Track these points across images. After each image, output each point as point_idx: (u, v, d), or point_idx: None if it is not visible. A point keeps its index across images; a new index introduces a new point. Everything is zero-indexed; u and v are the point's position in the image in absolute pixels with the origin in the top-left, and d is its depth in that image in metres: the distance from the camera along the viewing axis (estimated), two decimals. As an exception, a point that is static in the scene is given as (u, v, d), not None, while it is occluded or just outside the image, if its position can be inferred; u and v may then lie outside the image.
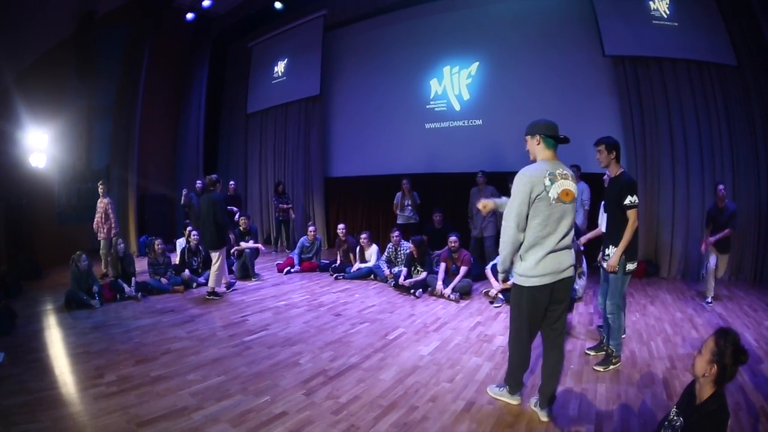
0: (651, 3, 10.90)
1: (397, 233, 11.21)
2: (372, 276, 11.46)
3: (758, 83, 10.13)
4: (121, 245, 10.08)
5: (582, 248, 8.25)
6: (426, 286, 9.98)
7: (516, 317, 4.54)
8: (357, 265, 11.81)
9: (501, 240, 4.37)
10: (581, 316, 8.13)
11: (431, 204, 13.41)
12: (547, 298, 4.30)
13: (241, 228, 12.08)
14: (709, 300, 8.84)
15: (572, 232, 4.32)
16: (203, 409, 4.77)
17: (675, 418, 3.14)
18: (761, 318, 7.85)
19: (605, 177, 6.95)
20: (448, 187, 14.04)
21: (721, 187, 8.84)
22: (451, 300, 9.32)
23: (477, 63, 13.72)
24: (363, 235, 11.81)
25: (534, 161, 4.42)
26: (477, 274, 10.54)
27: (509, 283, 4.62)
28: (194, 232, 11.27)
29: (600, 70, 11.78)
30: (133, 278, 9.89)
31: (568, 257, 4.32)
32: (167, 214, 17.32)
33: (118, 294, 9.46)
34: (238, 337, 7.23)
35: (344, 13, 16.42)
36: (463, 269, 9.64)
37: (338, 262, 12.37)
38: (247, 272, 11.59)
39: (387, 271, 10.99)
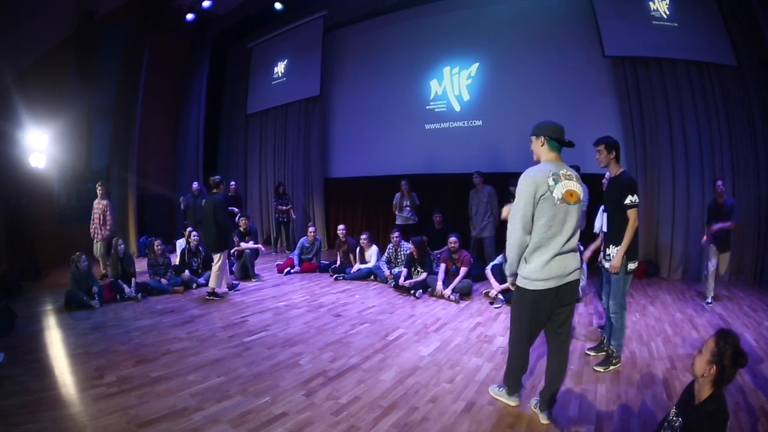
0: (651, 3, 10.91)
1: (397, 234, 11.21)
2: (372, 277, 11.45)
3: (758, 84, 10.14)
4: (121, 246, 10.06)
5: (582, 248, 8.25)
6: (426, 287, 9.97)
7: (516, 319, 4.51)
8: (357, 266, 11.78)
9: (507, 243, 4.31)
10: (581, 316, 8.11)
11: (431, 205, 13.46)
12: (552, 302, 4.25)
13: (241, 229, 12.08)
14: (709, 300, 8.87)
15: (578, 235, 4.28)
16: (203, 410, 4.77)
17: (674, 418, 3.14)
18: (761, 318, 7.85)
19: (604, 180, 6.95)
20: (448, 188, 14.04)
21: (719, 183, 8.90)
22: (451, 301, 9.32)
23: (477, 64, 13.73)
24: (363, 236, 11.80)
25: (538, 162, 4.40)
26: (477, 275, 10.54)
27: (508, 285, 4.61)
28: (194, 233, 11.28)
29: (600, 70, 11.80)
30: (133, 279, 9.87)
31: (574, 260, 4.27)
32: (167, 215, 17.31)
33: (117, 294, 9.46)
34: (238, 337, 7.23)
35: (344, 14, 16.40)
36: (463, 270, 9.63)
37: (338, 262, 12.36)
38: (247, 273, 11.59)
39: (387, 272, 10.99)
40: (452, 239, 9.72)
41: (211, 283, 9.75)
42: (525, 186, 4.12)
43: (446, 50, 14.24)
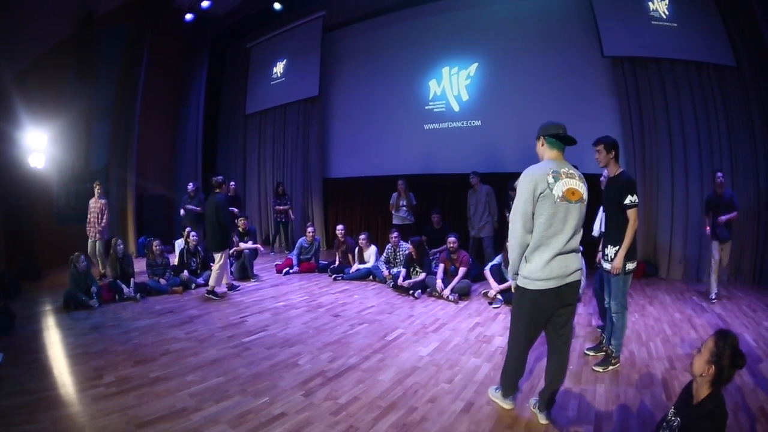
0: (650, 3, 10.92)
1: (396, 234, 11.22)
2: (371, 277, 11.46)
3: (757, 84, 10.15)
4: (120, 246, 10.06)
5: (581, 249, 8.24)
6: (425, 287, 9.98)
7: (516, 320, 4.46)
8: (356, 266, 11.80)
9: (509, 243, 4.30)
10: (580, 316, 8.12)
11: (430, 205, 13.48)
12: (553, 303, 4.21)
13: (240, 229, 12.09)
14: (713, 297, 9.00)
15: (580, 234, 4.25)
16: (202, 410, 4.77)
17: (673, 418, 3.15)
18: (760, 318, 7.86)
19: (602, 179, 6.96)
20: (447, 188, 14.05)
21: (719, 174, 8.99)
22: (450, 301, 9.33)
23: (476, 64, 13.74)
24: (362, 236, 11.81)
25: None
26: (476, 275, 10.55)
27: (508, 284, 4.58)
28: (193, 233, 11.27)
29: (599, 70, 11.81)
30: (131, 279, 9.88)
31: (575, 261, 4.24)
32: (166, 215, 17.30)
33: (116, 295, 9.46)
34: (237, 338, 7.23)
35: (343, 14, 16.42)
36: (461, 270, 9.64)
37: (337, 262, 12.37)
38: (245, 273, 11.60)
39: (386, 272, 10.99)
40: (451, 239, 9.73)
41: (211, 282, 9.77)
42: (524, 184, 4.10)
43: (445, 50, 14.25)
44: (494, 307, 8.84)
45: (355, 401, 5.02)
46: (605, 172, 6.34)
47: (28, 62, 12.75)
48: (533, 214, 4.10)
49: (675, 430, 3.07)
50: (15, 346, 6.82)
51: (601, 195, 6.37)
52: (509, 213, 4.40)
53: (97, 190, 11.84)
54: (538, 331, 4.42)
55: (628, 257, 5.58)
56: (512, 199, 4.38)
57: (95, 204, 11.80)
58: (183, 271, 10.78)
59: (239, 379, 5.62)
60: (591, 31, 11.50)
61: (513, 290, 4.50)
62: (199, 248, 11.36)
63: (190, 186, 13.77)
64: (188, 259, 11.13)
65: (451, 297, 9.36)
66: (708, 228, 9.15)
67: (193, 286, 10.61)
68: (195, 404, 4.91)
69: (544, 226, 4.06)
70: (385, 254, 11.40)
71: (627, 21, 11.08)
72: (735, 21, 10.30)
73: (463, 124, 14.01)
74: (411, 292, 9.84)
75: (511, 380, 4.69)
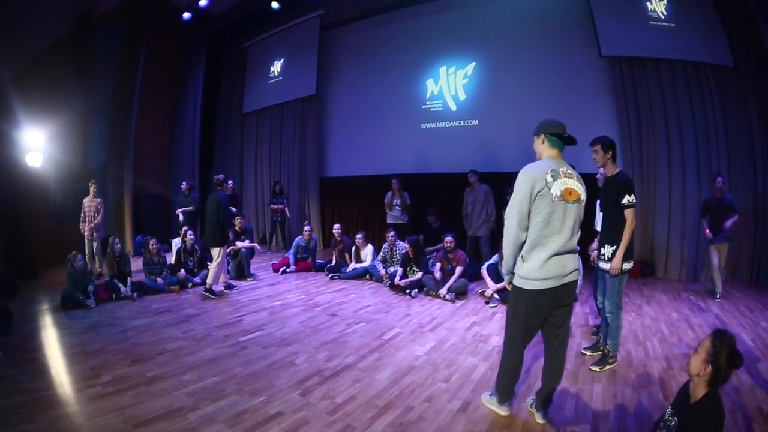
0: (648, 4, 10.92)
1: (392, 233, 11.23)
2: (367, 276, 11.46)
3: (755, 84, 10.17)
4: (118, 245, 10.05)
5: (579, 249, 8.25)
6: (421, 286, 9.98)
7: (512, 320, 4.43)
8: (352, 265, 11.80)
9: (503, 240, 4.27)
10: (577, 316, 8.11)
11: (427, 204, 13.47)
12: (549, 303, 4.19)
13: (236, 228, 12.08)
14: (718, 295, 9.13)
15: (578, 235, 4.24)
16: (199, 410, 4.77)
17: (670, 418, 3.15)
18: (758, 318, 7.87)
19: (598, 176, 6.97)
20: (444, 188, 14.06)
21: (719, 179, 9.11)
22: (446, 300, 9.34)
23: (473, 63, 13.74)
24: (358, 235, 11.81)
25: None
26: (473, 275, 10.55)
27: (503, 284, 4.54)
28: (190, 232, 11.27)
29: (597, 70, 11.81)
30: (128, 278, 9.87)
31: (573, 261, 4.22)
32: (163, 214, 17.28)
33: (113, 294, 9.46)
34: (233, 337, 7.23)
35: (341, 13, 16.44)
36: (458, 269, 9.64)
37: (334, 262, 12.35)
38: (242, 272, 11.60)
39: (382, 271, 11.01)
40: (448, 239, 9.73)
41: (209, 280, 9.78)
42: (522, 182, 4.08)
43: (443, 50, 14.25)
44: (491, 307, 8.84)
45: (351, 400, 5.03)
46: (602, 170, 6.36)
47: (26, 61, 12.75)
48: (529, 213, 4.07)
49: (672, 429, 3.07)
50: (12, 345, 6.82)
51: (599, 192, 6.38)
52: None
53: (92, 189, 11.84)
54: (534, 331, 4.40)
55: (625, 257, 5.58)
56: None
57: (91, 203, 11.79)
58: (180, 270, 10.78)
59: (236, 378, 5.62)
60: (589, 30, 11.50)
61: (507, 287, 4.48)
62: (196, 247, 11.36)
63: (184, 185, 13.77)
64: (185, 258, 11.12)
65: (447, 296, 9.36)
66: (708, 231, 9.21)
67: (190, 285, 10.61)
68: (192, 403, 4.91)
69: (541, 225, 4.03)
70: (381, 253, 11.41)
71: (625, 21, 11.07)
72: (733, 21, 10.30)
73: (460, 123, 14.01)
74: (408, 291, 9.85)
75: (507, 384, 4.60)
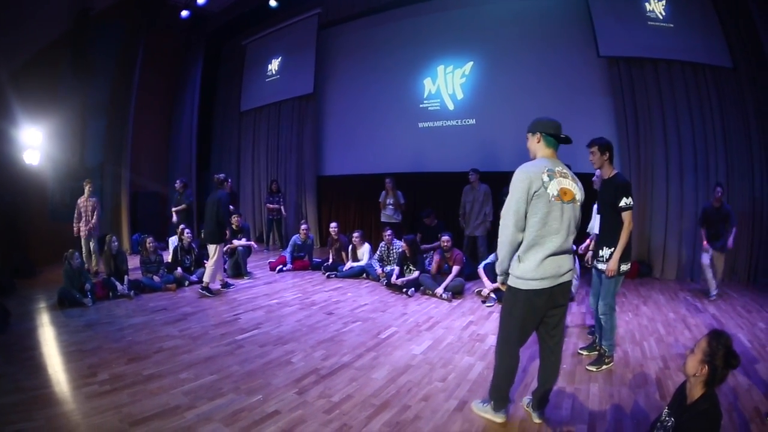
0: (647, 4, 10.93)
1: (389, 232, 11.24)
2: (364, 275, 11.46)
3: (754, 85, 10.19)
4: (115, 243, 10.05)
5: (574, 248, 8.26)
6: (418, 285, 9.98)
7: (507, 321, 4.39)
8: (349, 264, 11.81)
9: (499, 240, 4.22)
10: (574, 316, 8.15)
11: (424, 203, 13.54)
12: (545, 304, 4.17)
13: (233, 226, 12.06)
14: (713, 294, 9.22)
15: (574, 235, 4.23)
16: (196, 408, 4.78)
17: (667, 418, 3.15)
18: (755, 319, 7.89)
19: (594, 179, 6.97)
20: (441, 187, 14.05)
21: (718, 189, 9.15)
22: (443, 299, 9.34)
23: (471, 62, 13.76)
24: (355, 234, 11.82)
25: (533, 159, 4.34)
26: (469, 274, 10.57)
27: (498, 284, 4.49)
28: (187, 231, 11.28)
29: (594, 70, 11.83)
30: (125, 276, 9.88)
31: (568, 261, 4.21)
32: (160, 212, 17.26)
33: (110, 292, 9.45)
34: (230, 335, 7.24)
35: (339, 12, 16.45)
36: (455, 269, 9.68)
37: (330, 260, 12.36)
38: (239, 270, 11.61)
39: (379, 270, 11.02)
40: (445, 238, 9.78)
41: (206, 278, 9.81)
42: (518, 182, 4.04)
43: (440, 49, 14.27)
44: (488, 306, 8.86)
45: (348, 399, 5.03)
46: (597, 172, 6.36)
47: (24, 59, 12.72)
48: (526, 213, 4.04)
49: (669, 430, 3.07)
50: (10, 343, 6.83)
51: (594, 195, 6.39)
52: None
53: (87, 189, 11.82)
54: (530, 332, 4.37)
55: (622, 258, 5.59)
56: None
57: (86, 203, 11.77)
58: (177, 269, 10.80)
59: (233, 376, 5.62)
60: (587, 30, 11.51)
61: (501, 287, 4.45)
62: (193, 245, 11.36)
63: (177, 183, 13.78)
64: (182, 256, 11.12)
65: (444, 295, 9.37)
66: (705, 242, 9.26)
67: (187, 283, 10.60)
68: (188, 402, 4.91)
69: (538, 226, 4.00)
70: (378, 252, 11.42)
71: (623, 21, 11.07)
72: (732, 22, 10.31)
73: (457, 122, 14.04)
74: (404, 290, 9.86)
75: (504, 388, 4.53)
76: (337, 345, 6.81)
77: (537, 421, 4.53)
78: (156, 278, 10.26)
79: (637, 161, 11.37)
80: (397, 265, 10.44)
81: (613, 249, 5.60)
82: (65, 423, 4.48)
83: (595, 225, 6.83)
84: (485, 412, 4.65)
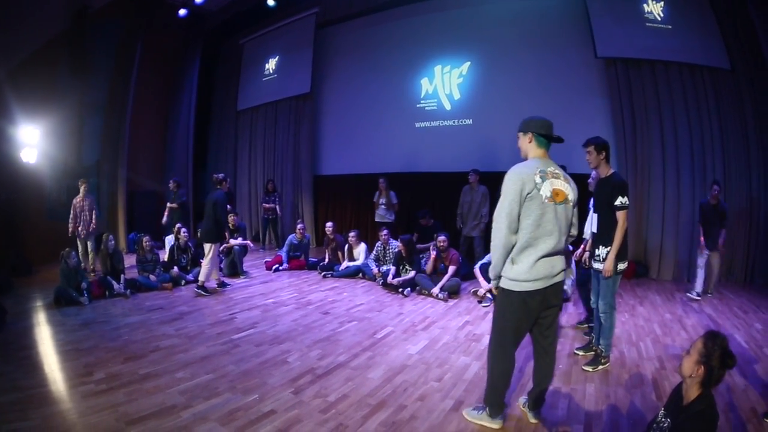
0: (645, 5, 10.94)
1: (385, 232, 11.26)
2: (360, 274, 11.49)
3: (752, 86, 10.21)
4: (112, 242, 10.05)
5: (571, 248, 8.27)
6: (414, 285, 10.00)
7: (500, 323, 4.33)
8: (345, 264, 11.83)
9: (492, 243, 4.18)
10: (570, 316, 8.18)
11: (421, 203, 13.56)
12: (540, 304, 4.14)
13: (230, 225, 12.03)
14: (695, 293, 9.35)
15: (566, 236, 4.21)
16: (192, 408, 4.78)
17: (663, 419, 3.16)
18: (751, 320, 7.91)
19: (590, 180, 6.98)
20: (438, 187, 14.08)
21: (716, 187, 9.19)
22: (439, 299, 9.36)
23: (468, 63, 13.78)
24: (351, 234, 11.82)
25: (525, 159, 4.31)
26: (465, 274, 10.58)
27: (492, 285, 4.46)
28: (183, 230, 11.28)
29: (592, 71, 11.84)
30: (122, 275, 9.88)
31: (561, 262, 4.18)
32: (156, 211, 17.23)
33: (107, 291, 9.45)
34: (226, 335, 7.24)
35: (336, 11, 16.44)
36: (451, 269, 9.67)
37: (326, 260, 12.36)
38: (235, 269, 11.61)
39: (375, 270, 11.03)
40: (441, 238, 9.77)
41: (201, 276, 9.81)
42: (511, 183, 4.01)
43: (438, 49, 14.29)
44: (484, 306, 8.87)
45: (344, 399, 5.04)
46: (593, 173, 6.36)
47: (22, 58, 12.71)
48: (519, 215, 4.02)
49: (665, 431, 3.08)
50: (7, 342, 6.82)
51: (590, 196, 6.40)
52: None
53: (83, 188, 11.80)
54: (524, 333, 4.33)
55: (619, 258, 5.60)
56: None
57: (83, 202, 11.73)
58: (173, 268, 10.81)
59: (228, 376, 5.63)
60: (585, 31, 11.51)
61: (494, 292, 4.42)
62: (190, 244, 11.36)
63: (171, 183, 13.77)
64: (178, 255, 11.12)
65: (440, 295, 9.39)
66: (702, 239, 9.28)
67: (183, 282, 10.60)
68: (185, 401, 4.91)
69: (532, 227, 3.98)
70: (374, 252, 11.42)
71: (621, 22, 11.09)
72: (730, 24, 10.34)
73: (454, 122, 14.05)
74: (400, 290, 9.87)
75: (500, 392, 4.46)
76: (333, 345, 6.82)
77: (533, 421, 4.53)
78: (152, 277, 10.26)
79: (634, 162, 11.38)
80: (393, 265, 10.46)
81: (609, 248, 5.61)
82: (61, 422, 4.47)
83: (590, 226, 6.83)
84: (480, 419, 4.56)
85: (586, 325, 7.23)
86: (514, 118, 4.76)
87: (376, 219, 13.34)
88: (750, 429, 4.38)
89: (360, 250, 11.77)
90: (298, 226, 12.77)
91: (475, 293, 9.63)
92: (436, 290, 9.46)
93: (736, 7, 10.23)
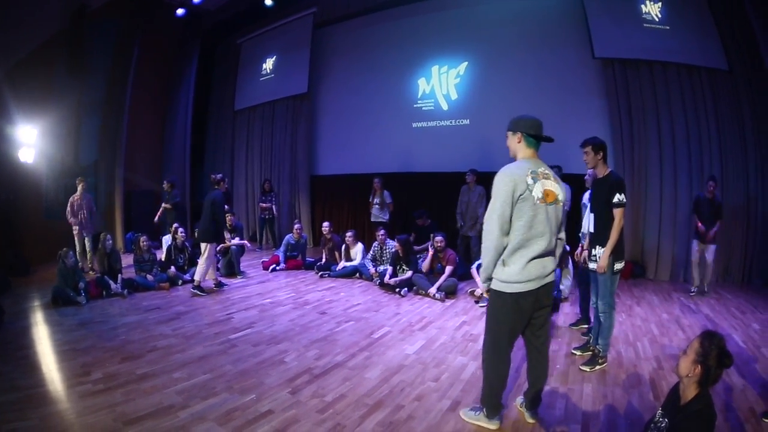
0: (643, 6, 10.94)
1: (382, 232, 11.28)
2: (357, 274, 11.48)
3: (749, 87, 10.22)
4: (109, 241, 10.03)
5: (568, 248, 8.28)
6: (411, 285, 10.00)
7: (494, 325, 4.33)
8: (342, 264, 11.84)
9: (483, 246, 4.19)
10: (567, 316, 8.17)
11: (417, 203, 13.54)
12: (532, 305, 4.15)
13: (227, 225, 11.99)
14: (693, 289, 9.48)
15: (557, 236, 4.21)
16: (189, 408, 4.78)
17: (660, 419, 3.16)
18: (749, 320, 7.91)
19: (586, 177, 6.98)
20: (435, 187, 14.09)
21: (711, 183, 9.26)
22: (436, 299, 9.37)
23: (465, 63, 13.77)
24: (348, 234, 11.83)
25: (514, 159, 4.32)
26: (462, 274, 10.58)
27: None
28: (181, 229, 11.28)
29: (589, 71, 11.83)
30: (119, 275, 9.87)
31: (552, 262, 4.19)
32: (154, 211, 17.22)
33: (104, 291, 9.44)
34: (223, 334, 7.24)
35: (334, 11, 16.44)
36: (448, 269, 9.68)
37: (323, 260, 12.36)
38: (232, 269, 11.62)
39: (372, 270, 11.04)
40: (438, 238, 9.76)
41: (197, 276, 9.82)
42: (503, 185, 4.00)
43: (435, 49, 14.29)
44: (481, 306, 8.83)
45: (341, 399, 5.04)
46: (590, 171, 6.37)
47: (20, 57, 12.70)
48: (511, 217, 4.01)
49: (663, 430, 3.08)
50: (5, 342, 6.83)
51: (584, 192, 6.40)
52: None
53: (80, 187, 11.81)
54: (518, 334, 4.33)
55: (616, 257, 5.61)
56: None
57: (80, 201, 11.75)
58: (170, 267, 10.80)
59: (226, 376, 5.63)
60: (582, 31, 11.52)
61: (485, 294, 4.41)
62: (187, 244, 11.36)
63: (165, 183, 13.78)
64: (175, 255, 11.11)
65: (437, 295, 9.40)
66: (700, 224, 9.30)
67: (180, 282, 10.59)
68: (182, 401, 4.91)
69: (524, 229, 3.98)
70: (371, 252, 11.45)
71: (619, 23, 11.09)
72: (728, 24, 10.34)
73: (451, 122, 14.06)
74: (397, 290, 9.88)
75: (497, 394, 4.46)
76: (330, 344, 6.82)
77: (530, 420, 4.54)
78: (149, 277, 10.26)
79: (632, 163, 11.38)
80: (390, 265, 10.46)
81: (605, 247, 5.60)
82: (59, 422, 4.47)
83: (587, 226, 6.83)
84: (478, 420, 4.56)
85: (584, 326, 7.25)
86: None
87: (372, 219, 13.34)
88: (748, 429, 4.39)
89: (357, 250, 11.77)
90: (296, 226, 12.78)
91: (472, 293, 9.63)
92: (433, 290, 9.48)
93: (733, 9, 10.23)
